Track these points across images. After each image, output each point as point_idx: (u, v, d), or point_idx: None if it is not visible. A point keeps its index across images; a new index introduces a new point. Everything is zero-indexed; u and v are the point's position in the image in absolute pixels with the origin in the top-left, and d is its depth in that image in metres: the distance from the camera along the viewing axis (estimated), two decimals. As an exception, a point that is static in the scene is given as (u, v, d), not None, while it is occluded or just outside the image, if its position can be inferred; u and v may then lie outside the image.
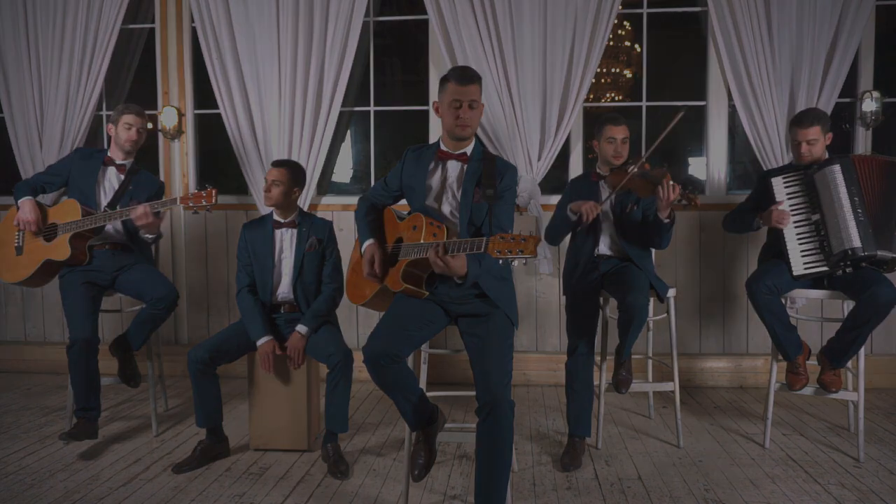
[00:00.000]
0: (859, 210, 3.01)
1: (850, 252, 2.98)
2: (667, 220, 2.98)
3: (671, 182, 2.88)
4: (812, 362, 3.21)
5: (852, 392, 3.13)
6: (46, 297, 4.76)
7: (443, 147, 2.47)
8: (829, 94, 4.01)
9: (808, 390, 3.14)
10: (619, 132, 3.16)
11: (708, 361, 4.30)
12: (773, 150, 4.03)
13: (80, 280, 3.25)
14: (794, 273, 3.10)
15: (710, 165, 4.33)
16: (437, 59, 4.30)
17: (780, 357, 3.18)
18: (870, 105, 4.13)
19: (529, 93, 4.12)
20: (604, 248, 3.23)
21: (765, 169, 3.96)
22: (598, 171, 3.27)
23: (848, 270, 3.05)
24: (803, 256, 3.12)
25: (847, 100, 4.21)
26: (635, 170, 3.02)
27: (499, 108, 4.14)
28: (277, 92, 4.27)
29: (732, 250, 4.31)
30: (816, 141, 3.16)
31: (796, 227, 3.16)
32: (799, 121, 3.19)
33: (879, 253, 2.97)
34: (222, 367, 3.10)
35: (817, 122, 3.16)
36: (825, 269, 3.08)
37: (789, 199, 3.20)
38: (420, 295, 2.42)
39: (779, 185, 3.24)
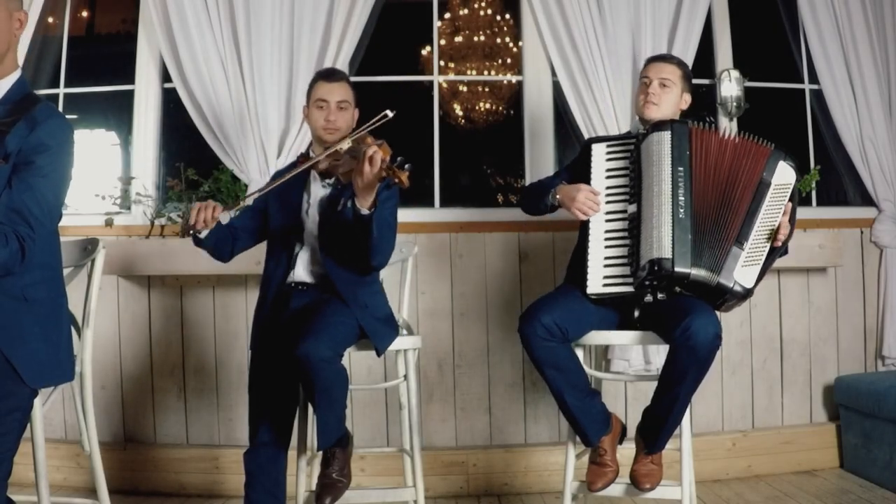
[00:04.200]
0: (681, 202, 2.01)
1: (655, 266, 1.95)
2: (366, 212, 1.93)
3: (375, 150, 1.84)
4: (630, 445, 2.14)
5: (674, 487, 2.01)
6: None
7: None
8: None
9: (615, 489, 2.03)
10: (334, 92, 2.20)
11: (536, 455, 2.93)
12: (607, 132, 3.03)
13: None
14: (589, 290, 2.08)
15: (530, 158, 3.25)
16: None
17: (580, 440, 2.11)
18: (730, 88, 3.31)
19: (267, 62, 2.97)
20: (301, 271, 2.14)
21: None
22: (310, 151, 2.27)
23: (660, 297, 2.01)
24: (607, 268, 2.09)
25: (706, 81, 3.38)
26: (348, 143, 2.04)
27: (223, 86, 3.00)
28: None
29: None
30: (671, 84, 2.23)
31: (608, 221, 2.15)
32: (651, 58, 2.37)
33: (694, 272, 1.95)
34: None
35: (675, 61, 2.29)
36: (628, 289, 2.04)
37: (609, 178, 2.20)
38: None
39: (599, 157, 2.24)
